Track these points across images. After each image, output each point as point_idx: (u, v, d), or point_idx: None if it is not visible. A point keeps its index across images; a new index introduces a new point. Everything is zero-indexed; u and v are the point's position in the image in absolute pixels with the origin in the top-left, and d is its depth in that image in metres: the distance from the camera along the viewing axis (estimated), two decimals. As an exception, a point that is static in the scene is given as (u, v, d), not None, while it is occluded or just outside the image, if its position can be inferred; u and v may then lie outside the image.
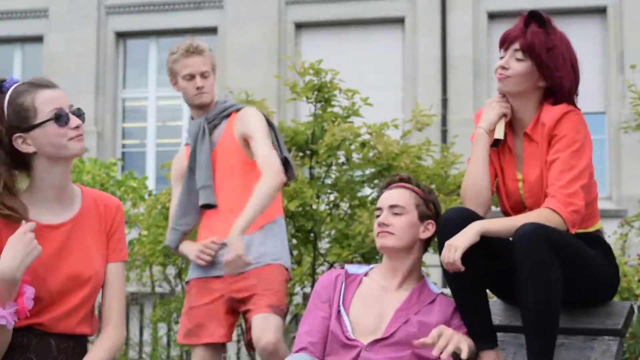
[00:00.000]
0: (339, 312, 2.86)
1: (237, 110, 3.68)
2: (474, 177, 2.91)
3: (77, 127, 2.46)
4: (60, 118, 2.43)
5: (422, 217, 2.96)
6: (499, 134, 2.94)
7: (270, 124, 3.68)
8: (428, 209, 2.98)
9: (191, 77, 3.60)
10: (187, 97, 3.67)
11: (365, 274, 2.99)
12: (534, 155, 2.89)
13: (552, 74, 2.86)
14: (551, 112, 2.85)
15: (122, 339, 2.57)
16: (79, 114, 2.49)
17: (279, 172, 3.49)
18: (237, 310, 3.57)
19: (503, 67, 2.91)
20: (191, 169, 3.65)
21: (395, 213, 2.92)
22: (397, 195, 2.95)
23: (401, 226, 2.91)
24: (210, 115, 3.65)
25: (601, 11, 10.21)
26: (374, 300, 2.88)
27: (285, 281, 3.56)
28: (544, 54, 2.85)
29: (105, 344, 2.51)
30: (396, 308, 2.84)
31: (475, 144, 2.93)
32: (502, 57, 2.94)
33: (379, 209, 2.97)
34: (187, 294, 3.68)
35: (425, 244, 3.04)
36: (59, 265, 2.46)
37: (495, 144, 2.96)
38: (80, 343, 2.54)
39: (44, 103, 2.43)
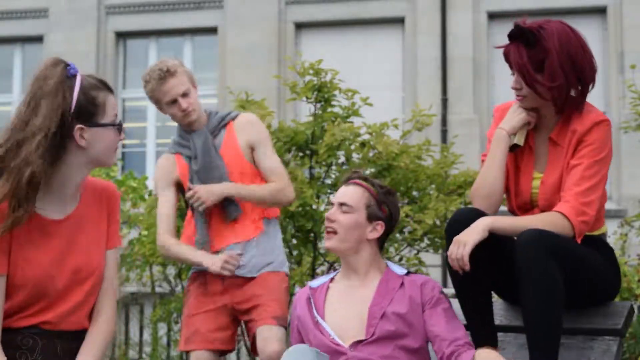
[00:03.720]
0: (317, 322, 2.85)
1: (233, 118, 3.65)
2: (488, 179, 2.87)
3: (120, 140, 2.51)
4: (120, 127, 2.47)
5: (371, 218, 2.92)
6: (520, 140, 2.90)
7: None
8: (380, 210, 2.94)
9: (174, 101, 3.54)
10: (176, 120, 3.61)
11: (331, 280, 2.98)
12: (556, 160, 2.85)
13: (548, 88, 2.78)
14: (584, 120, 2.80)
15: (113, 331, 2.54)
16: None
17: (290, 188, 3.58)
18: (239, 318, 3.58)
19: (517, 89, 2.84)
20: (201, 180, 3.57)
21: (343, 211, 2.90)
22: (349, 193, 2.93)
23: (346, 224, 2.88)
24: (211, 127, 3.61)
25: (601, 11, 10.21)
26: (345, 303, 2.87)
27: (287, 288, 3.58)
28: (533, 75, 2.76)
29: (97, 339, 2.48)
30: (369, 304, 2.82)
31: (494, 144, 2.89)
32: (512, 73, 2.85)
33: (332, 203, 2.97)
34: (187, 294, 3.65)
35: (380, 242, 2.99)
36: (65, 260, 2.44)
37: (512, 148, 2.92)
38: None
39: (111, 107, 2.46)
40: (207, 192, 3.46)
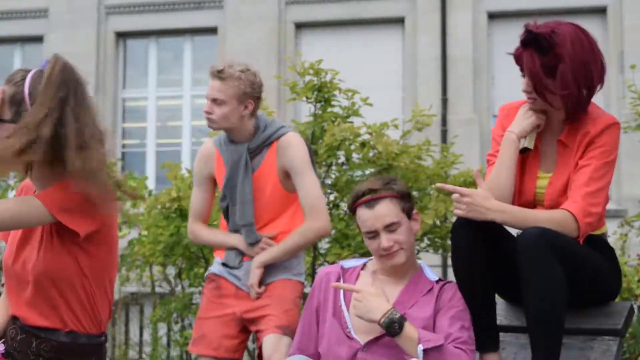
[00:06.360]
0: (340, 307, 2.83)
1: (278, 137, 3.45)
2: (497, 182, 2.85)
3: None
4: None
5: (410, 215, 2.88)
6: (530, 143, 2.89)
7: (309, 148, 3.50)
8: (409, 203, 2.89)
9: (207, 98, 3.46)
10: None
11: (362, 267, 2.95)
12: (565, 162, 2.85)
13: (559, 96, 2.76)
14: (596, 123, 2.79)
15: None
16: None
17: (324, 225, 3.37)
18: (248, 328, 3.50)
19: (527, 92, 2.82)
20: (225, 194, 3.50)
21: (392, 230, 2.81)
22: (386, 212, 2.82)
23: (406, 239, 2.83)
24: (253, 146, 3.45)
25: (601, 11, 10.21)
26: None
27: (298, 297, 3.47)
28: (544, 83, 2.74)
29: None
30: (392, 302, 2.79)
31: (504, 147, 2.86)
32: (523, 75, 2.83)
33: (374, 232, 2.82)
34: (202, 295, 3.61)
35: None
36: None
37: (522, 152, 2.90)
38: (66, 351, 2.43)
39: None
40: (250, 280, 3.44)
